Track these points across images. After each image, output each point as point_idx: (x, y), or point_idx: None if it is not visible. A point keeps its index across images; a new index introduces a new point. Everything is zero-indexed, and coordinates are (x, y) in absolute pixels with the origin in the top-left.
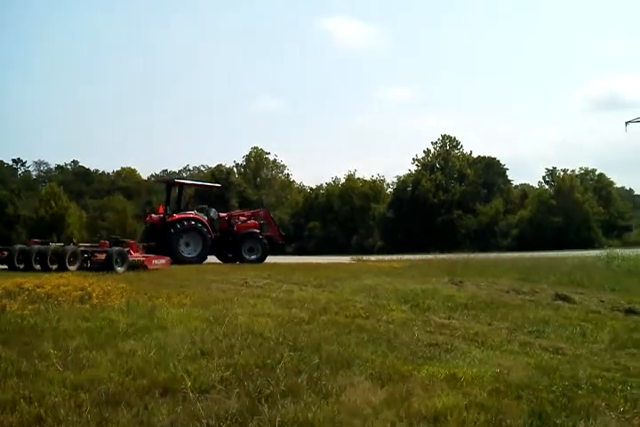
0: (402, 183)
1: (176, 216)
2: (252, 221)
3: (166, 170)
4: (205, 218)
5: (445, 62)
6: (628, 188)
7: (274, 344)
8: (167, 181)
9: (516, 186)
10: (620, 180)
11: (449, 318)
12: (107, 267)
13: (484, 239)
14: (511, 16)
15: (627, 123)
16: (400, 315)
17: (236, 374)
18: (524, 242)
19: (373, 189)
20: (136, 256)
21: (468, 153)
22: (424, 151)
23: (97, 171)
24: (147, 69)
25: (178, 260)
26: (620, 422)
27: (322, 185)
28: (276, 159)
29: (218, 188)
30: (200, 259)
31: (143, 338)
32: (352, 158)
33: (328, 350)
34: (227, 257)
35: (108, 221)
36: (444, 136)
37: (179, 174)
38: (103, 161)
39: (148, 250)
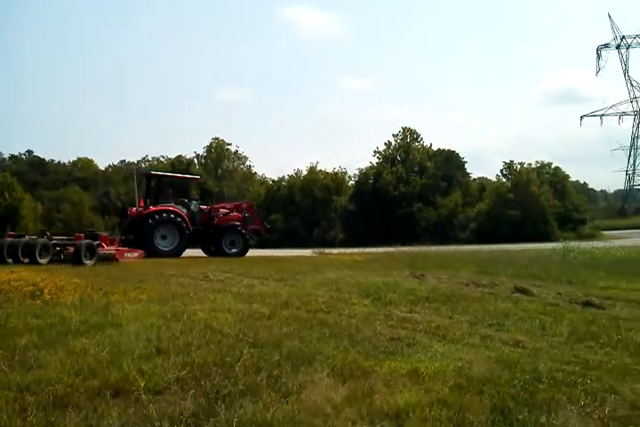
0: (363, 176)
1: (152, 208)
2: (235, 213)
3: (124, 160)
4: (184, 211)
5: (407, 53)
6: (582, 181)
7: (233, 341)
8: (145, 174)
9: (475, 179)
10: (575, 173)
11: (411, 312)
12: (75, 260)
13: (444, 232)
14: (471, 9)
15: (582, 117)
16: (362, 309)
17: (192, 374)
18: (481, 235)
19: (335, 181)
20: (107, 249)
21: (428, 146)
22: (385, 143)
23: (52, 161)
24: (106, 57)
25: (154, 253)
26: (580, 417)
27: (284, 177)
28: (237, 150)
29: (196, 180)
30: (176, 252)
31: (96, 336)
32: (314, 150)
33: (289, 346)
34: (211, 250)
35: (64, 213)
36: (404, 128)
37: (137, 165)
38: (59, 151)
39: (125, 243)
